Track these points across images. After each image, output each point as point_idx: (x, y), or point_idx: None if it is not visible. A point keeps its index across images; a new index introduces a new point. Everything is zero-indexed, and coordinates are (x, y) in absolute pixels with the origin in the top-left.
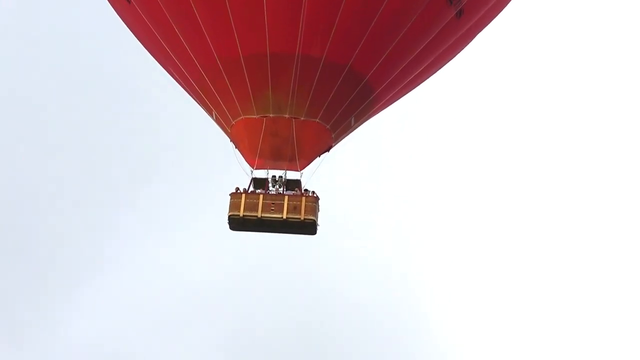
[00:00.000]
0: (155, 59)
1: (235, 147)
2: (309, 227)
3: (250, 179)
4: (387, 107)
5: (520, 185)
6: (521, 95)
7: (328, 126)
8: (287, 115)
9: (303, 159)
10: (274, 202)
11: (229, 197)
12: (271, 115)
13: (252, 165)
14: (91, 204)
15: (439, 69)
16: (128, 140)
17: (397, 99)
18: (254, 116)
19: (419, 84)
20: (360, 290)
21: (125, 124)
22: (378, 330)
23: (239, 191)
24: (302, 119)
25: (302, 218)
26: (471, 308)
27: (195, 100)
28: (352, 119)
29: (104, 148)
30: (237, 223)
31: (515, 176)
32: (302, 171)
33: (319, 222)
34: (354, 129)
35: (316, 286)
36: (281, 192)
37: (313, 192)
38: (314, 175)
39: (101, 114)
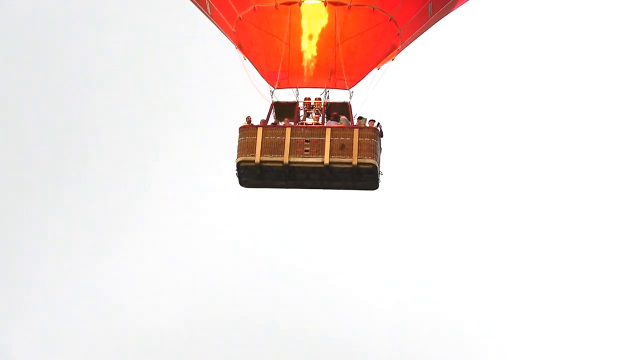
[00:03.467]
0: None
1: (244, 57)
2: (366, 178)
3: (270, 104)
4: None
5: None
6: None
7: (391, 16)
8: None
9: (353, 71)
10: (310, 138)
11: (238, 133)
12: (300, 0)
13: (272, 84)
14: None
15: None
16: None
17: None
18: (272, 4)
19: None
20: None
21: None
22: None
23: (252, 124)
24: (349, 5)
25: (355, 163)
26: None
27: None
28: (430, 6)
29: None
30: (252, 175)
31: None
32: (351, 89)
33: (381, 169)
34: (432, 24)
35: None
36: (320, 122)
37: (373, 121)
38: (372, 96)
39: None
